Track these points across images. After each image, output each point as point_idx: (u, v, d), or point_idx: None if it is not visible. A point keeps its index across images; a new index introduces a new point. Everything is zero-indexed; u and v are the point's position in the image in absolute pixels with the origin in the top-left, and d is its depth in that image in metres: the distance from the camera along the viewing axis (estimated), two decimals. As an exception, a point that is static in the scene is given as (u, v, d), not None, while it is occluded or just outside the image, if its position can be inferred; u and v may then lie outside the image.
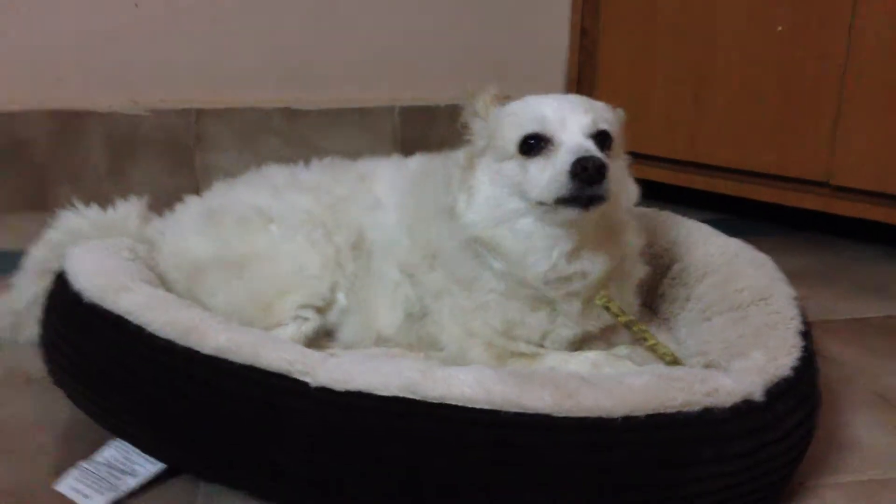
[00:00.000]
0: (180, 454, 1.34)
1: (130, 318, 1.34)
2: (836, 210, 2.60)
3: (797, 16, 2.56)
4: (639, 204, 1.64)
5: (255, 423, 1.23)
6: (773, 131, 2.68)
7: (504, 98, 1.56)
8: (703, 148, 2.85)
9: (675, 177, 2.91)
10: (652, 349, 1.50)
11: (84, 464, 1.33)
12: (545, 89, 1.61)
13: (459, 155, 1.57)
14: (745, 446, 1.19)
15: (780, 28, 2.60)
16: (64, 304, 1.45)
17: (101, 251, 1.57)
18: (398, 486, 1.18)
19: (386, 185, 1.75)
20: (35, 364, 1.59)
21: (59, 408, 1.51)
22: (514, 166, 1.47)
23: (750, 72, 2.70)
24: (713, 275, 1.75)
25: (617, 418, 1.14)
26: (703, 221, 1.95)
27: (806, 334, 1.43)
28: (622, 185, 1.56)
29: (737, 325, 1.54)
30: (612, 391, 1.16)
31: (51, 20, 2.78)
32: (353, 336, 1.67)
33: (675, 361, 1.48)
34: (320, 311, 1.63)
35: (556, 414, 1.13)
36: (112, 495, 1.27)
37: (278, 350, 1.25)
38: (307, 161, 1.84)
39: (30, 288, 1.66)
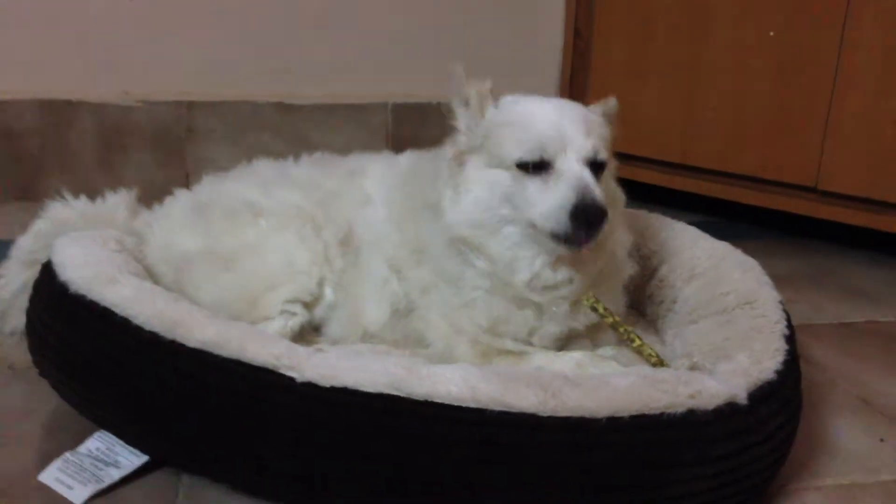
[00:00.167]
0: (165, 447, 1.34)
1: (117, 310, 1.34)
2: (823, 215, 2.62)
3: (789, 22, 2.57)
4: (626, 205, 1.65)
5: (241, 417, 1.23)
6: (763, 136, 2.69)
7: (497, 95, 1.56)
8: (693, 151, 2.86)
9: (664, 179, 2.92)
10: (638, 350, 1.51)
11: (68, 455, 1.33)
12: (538, 89, 1.60)
13: (447, 148, 1.57)
14: (727, 448, 1.20)
15: (772, 33, 2.61)
16: (50, 294, 1.45)
17: (88, 242, 1.56)
18: (383, 483, 1.19)
19: (376, 181, 1.75)
20: (20, 354, 1.59)
21: (44, 399, 1.51)
22: (508, 178, 1.47)
23: (741, 76, 2.71)
24: (700, 277, 1.76)
25: (601, 418, 1.15)
26: (692, 224, 1.96)
27: (790, 338, 1.44)
28: (611, 191, 1.57)
29: (722, 328, 1.54)
30: (596, 391, 1.17)
31: (43, 10, 2.77)
32: (339, 331, 1.67)
33: (660, 363, 1.48)
34: (308, 306, 1.63)
35: (540, 413, 1.14)
36: (95, 486, 1.27)
37: (265, 344, 1.25)
38: (298, 156, 1.84)
39: (16, 278, 1.65)
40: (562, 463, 1.15)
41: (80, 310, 1.37)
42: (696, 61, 2.79)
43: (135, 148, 2.90)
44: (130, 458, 1.34)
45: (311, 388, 1.19)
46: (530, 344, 1.56)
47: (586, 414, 1.15)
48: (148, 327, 1.30)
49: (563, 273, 1.50)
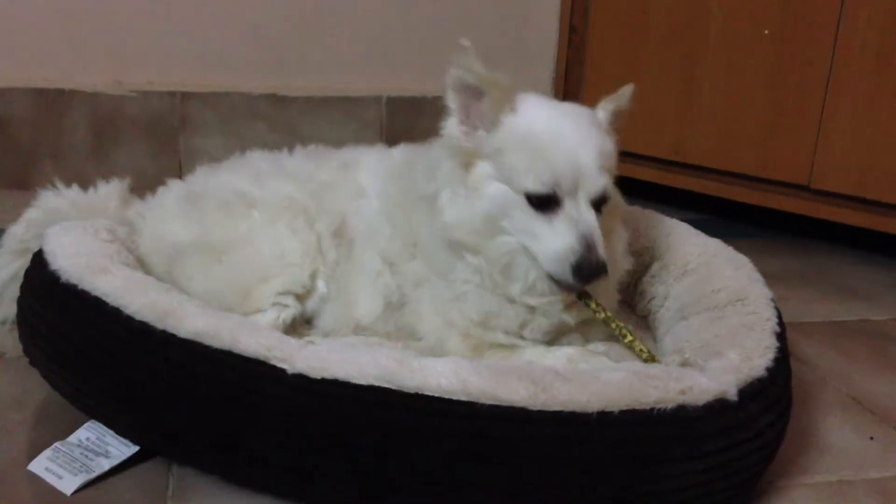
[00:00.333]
0: (155, 437, 1.34)
1: (108, 299, 1.34)
2: (816, 213, 2.63)
3: (784, 20, 2.57)
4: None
5: (231, 408, 1.23)
6: (757, 134, 2.70)
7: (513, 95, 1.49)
8: (687, 148, 2.86)
9: (658, 176, 2.93)
10: (629, 346, 1.51)
11: (58, 445, 1.33)
12: (533, 84, 1.60)
13: (446, 133, 1.51)
14: (717, 444, 1.20)
15: (766, 32, 2.61)
16: (41, 284, 1.44)
17: (79, 232, 1.56)
18: (372, 475, 1.19)
19: (370, 173, 1.74)
20: (11, 344, 1.58)
21: (35, 388, 1.50)
22: (515, 199, 1.44)
23: (736, 74, 2.71)
24: (692, 274, 1.76)
25: (591, 413, 1.15)
26: (685, 221, 1.96)
27: (781, 336, 1.44)
28: (613, 200, 1.57)
29: (713, 324, 1.54)
30: (587, 386, 1.17)
31: (37, -3, 2.76)
32: (332, 323, 1.66)
33: (651, 359, 1.49)
34: (300, 298, 1.63)
35: (530, 407, 1.14)
36: (85, 476, 1.27)
37: (256, 336, 1.25)
38: (292, 147, 1.84)
39: (8, 267, 1.64)
40: (552, 457, 1.15)
41: (72, 299, 1.37)
42: (690, 58, 2.79)
43: (128, 138, 2.89)
44: (121, 449, 1.33)
45: (301, 380, 1.19)
46: (522, 337, 1.56)
47: (577, 408, 1.15)
48: (139, 317, 1.30)
49: None
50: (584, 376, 1.21)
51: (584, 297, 1.50)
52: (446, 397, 1.15)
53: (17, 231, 1.67)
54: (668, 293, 1.79)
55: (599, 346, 1.59)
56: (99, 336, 1.33)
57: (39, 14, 2.77)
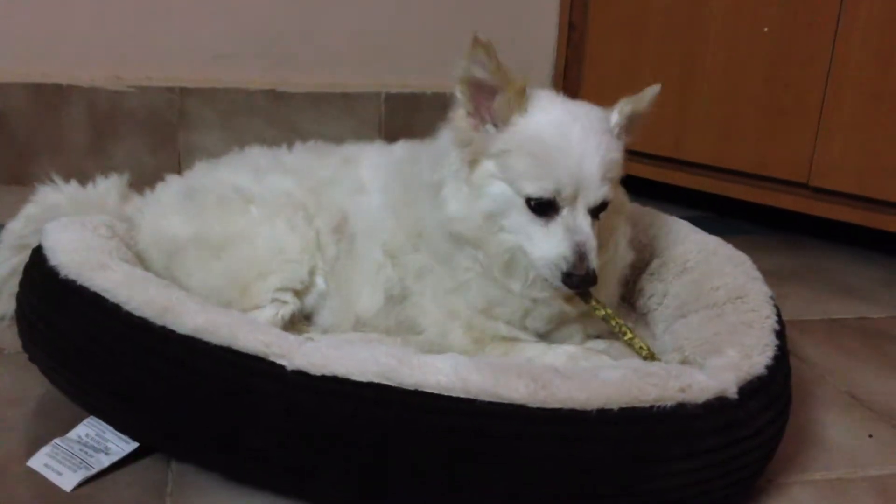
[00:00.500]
0: (154, 433, 1.34)
1: (107, 295, 1.33)
2: (815, 211, 2.63)
3: (784, 18, 2.57)
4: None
5: (230, 404, 1.22)
6: (756, 131, 2.70)
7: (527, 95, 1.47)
8: (686, 145, 2.86)
9: (658, 173, 2.92)
10: (629, 343, 1.51)
11: (58, 441, 1.33)
12: (532, 82, 1.58)
13: (454, 132, 1.50)
14: (717, 442, 1.20)
15: (766, 29, 2.61)
16: (40, 279, 1.44)
17: (78, 228, 1.56)
18: (371, 471, 1.19)
19: (370, 168, 1.74)
20: (10, 340, 1.58)
21: (34, 384, 1.50)
22: (516, 200, 1.44)
23: (735, 71, 2.71)
24: (691, 272, 1.76)
25: (591, 411, 1.15)
26: (684, 218, 1.96)
27: (780, 333, 1.44)
28: (617, 199, 1.57)
29: (712, 322, 1.55)
30: (586, 384, 1.17)
31: (35, -8, 2.75)
32: (331, 319, 1.67)
33: (651, 356, 1.49)
34: (299, 294, 1.63)
35: (530, 404, 1.14)
36: (85, 473, 1.27)
37: (255, 332, 1.25)
38: (290, 144, 1.84)
39: (6, 263, 1.64)
40: (551, 454, 1.15)
41: (71, 295, 1.37)
42: (689, 56, 2.79)
43: (126, 133, 2.88)
44: (120, 445, 1.33)
45: (300, 377, 1.19)
46: (524, 328, 1.56)
47: (576, 406, 1.15)
48: (138, 313, 1.30)
49: None
50: (584, 374, 1.21)
51: (584, 294, 1.50)
52: (445, 394, 1.15)
53: (15, 227, 1.67)
54: (667, 290, 1.79)
55: (600, 344, 1.59)
56: (98, 332, 1.33)
57: (37, 9, 2.77)
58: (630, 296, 1.89)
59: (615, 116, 1.53)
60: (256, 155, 1.80)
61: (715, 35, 2.73)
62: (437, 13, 3.12)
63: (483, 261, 1.51)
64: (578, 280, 1.41)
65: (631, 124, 1.56)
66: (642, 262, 1.88)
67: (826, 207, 2.59)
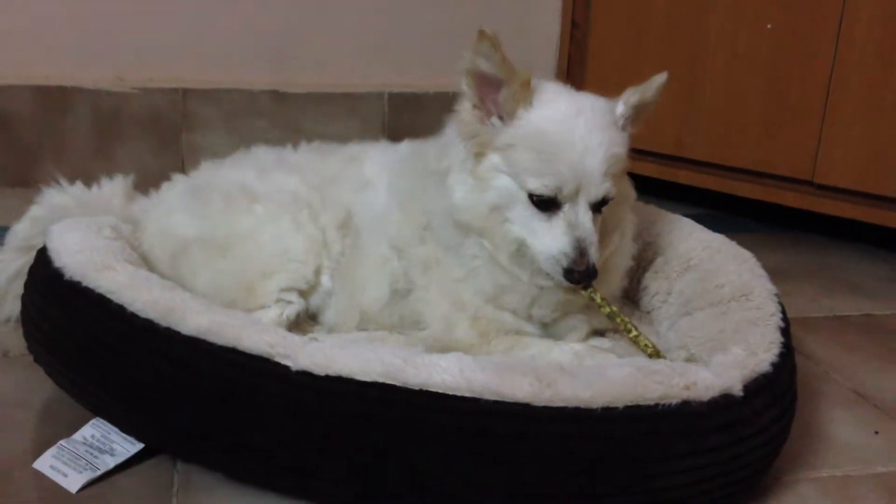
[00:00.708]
0: (160, 434, 1.34)
1: (112, 297, 1.33)
2: (819, 208, 2.62)
3: (787, 15, 2.57)
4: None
5: (235, 405, 1.23)
6: (760, 128, 2.69)
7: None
8: (689, 143, 2.85)
9: (661, 171, 2.92)
10: (634, 341, 1.51)
11: (63, 442, 1.33)
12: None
13: (460, 124, 1.51)
14: (722, 440, 1.20)
15: (769, 26, 2.60)
16: (45, 280, 1.44)
17: (83, 229, 1.56)
18: (376, 472, 1.19)
19: (376, 165, 1.74)
20: (15, 341, 1.58)
21: (39, 386, 1.50)
22: (520, 194, 1.46)
23: (738, 68, 2.70)
24: (695, 269, 1.76)
25: (595, 409, 1.15)
26: (688, 216, 1.95)
27: (785, 331, 1.44)
28: (623, 190, 1.57)
29: (717, 320, 1.54)
30: (591, 382, 1.17)
31: (38, -5, 2.76)
32: (336, 317, 1.67)
33: (656, 354, 1.49)
34: (303, 294, 1.63)
35: (535, 403, 1.14)
36: (90, 474, 1.27)
37: (260, 333, 1.25)
38: (294, 144, 1.84)
39: (12, 264, 1.65)
40: (555, 453, 1.15)
41: (75, 296, 1.37)
42: (692, 53, 2.79)
43: (130, 135, 2.88)
44: (125, 446, 1.33)
45: (305, 377, 1.19)
46: (530, 316, 1.57)
47: (581, 404, 1.15)
48: (143, 314, 1.30)
49: None
50: (589, 372, 1.21)
51: (589, 290, 1.50)
52: (450, 394, 1.15)
53: (21, 228, 1.68)
54: (672, 288, 1.79)
55: (605, 342, 1.59)
56: (103, 333, 1.33)
57: (41, 11, 2.77)
58: (634, 294, 1.89)
59: (621, 107, 1.53)
60: (262, 154, 1.81)
61: (717, 33, 2.72)
62: (440, 13, 3.12)
63: (490, 249, 1.51)
64: (579, 275, 1.43)
65: (637, 114, 1.55)
66: (646, 260, 1.88)
67: (831, 204, 2.59)
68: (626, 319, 1.52)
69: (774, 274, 1.67)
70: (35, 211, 1.70)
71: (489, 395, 1.14)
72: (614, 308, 1.52)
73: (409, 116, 3.09)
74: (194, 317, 1.28)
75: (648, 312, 1.85)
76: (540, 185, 1.42)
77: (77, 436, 1.35)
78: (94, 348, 1.33)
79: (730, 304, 1.58)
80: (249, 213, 1.63)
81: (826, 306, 2.18)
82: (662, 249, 1.87)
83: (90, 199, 1.73)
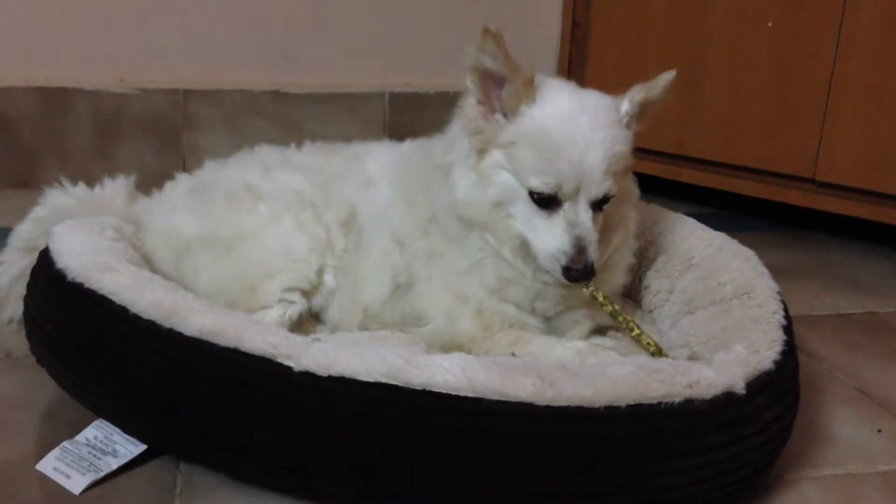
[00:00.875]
0: (162, 435, 1.34)
1: (114, 298, 1.33)
2: (822, 206, 2.62)
3: (788, 13, 2.57)
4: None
5: (238, 406, 1.23)
6: (762, 126, 2.69)
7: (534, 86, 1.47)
8: (691, 141, 2.85)
9: (663, 170, 2.91)
10: (636, 339, 1.51)
11: (66, 444, 1.33)
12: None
13: (464, 120, 1.51)
14: (724, 438, 1.20)
15: (770, 24, 2.60)
16: (48, 282, 1.44)
17: (86, 230, 1.56)
18: (379, 472, 1.19)
19: (379, 163, 1.75)
20: (18, 342, 1.58)
21: (42, 387, 1.50)
22: (521, 191, 1.46)
23: (740, 67, 2.70)
24: (697, 268, 1.76)
25: (598, 408, 1.14)
26: (690, 215, 1.96)
27: (788, 329, 1.44)
28: (626, 188, 1.57)
29: (719, 318, 1.54)
30: (593, 381, 1.17)
31: (39, -4, 2.76)
32: (339, 315, 1.67)
33: (658, 353, 1.49)
34: (306, 294, 1.63)
35: (537, 402, 1.14)
36: (93, 475, 1.27)
37: (262, 334, 1.25)
38: (296, 144, 1.84)
39: (14, 265, 1.65)
40: (558, 452, 1.15)
41: (78, 297, 1.37)
42: (694, 52, 2.78)
43: (131, 135, 2.89)
44: (129, 447, 1.33)
45: (308, 378, 1.19)
46: (533, 309, 1.57)
47: (583, 403, 1.14)
48: (145, 315, 1.30)
49: None
50: (591, 371, 1.21)
51: (590, 288, 1.50)
52: (453, 394, 1.15)
53: (23, 229, 1.68)
54: (674, 287, 1.79)
55: (608, 341, 1.59)
56: (105, 334, 1.33)
57: (41, 12, 2.77)
58: (636, 292, 1.89)
59: (626, 105, 1.53)
60: (266, 153, 1.81)
61: (719, 31, 2.72)
62: (441, 12, 3.12)
63: (494, 244, 1.52)
64: (577, 273, 1.43)
65: (643, 112, 1.55)
66: (648, 258, 1.88)
67: (833, 202, 2.58)
68: (629, 318, 1.52)
69: (777, 272, 1.67)
70: (37, 212, 1.70)
71: (491, 395, 1.14)
72: (616, 307, 1.52)
73: (410, 116, 3.09)
74: (197, 318, 1.28)
75: (650, 311, 1.85)
76: (540, 184, 1.43)
77: (80, 437, 1.35)
78: (97, 349, 1.33)
79: (732, 303, 1.58)
80: (253, 212, 1.63)
81: (828, 304, 2.18)
82: (664, 248, 1.87)
83: (92, 200, 1.73)
